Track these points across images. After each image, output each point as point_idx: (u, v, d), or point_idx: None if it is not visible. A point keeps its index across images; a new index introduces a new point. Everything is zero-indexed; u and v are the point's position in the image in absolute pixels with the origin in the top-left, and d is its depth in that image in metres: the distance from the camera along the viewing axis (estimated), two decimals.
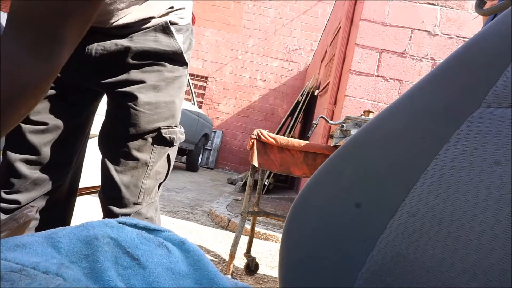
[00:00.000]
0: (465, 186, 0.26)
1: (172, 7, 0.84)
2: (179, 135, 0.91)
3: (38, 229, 0.86)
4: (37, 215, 0.87)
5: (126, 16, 0.78)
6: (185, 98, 5.96)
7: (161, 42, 0.83)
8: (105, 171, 0.85)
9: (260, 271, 1.98)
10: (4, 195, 0.81)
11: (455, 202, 0.26)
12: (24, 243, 0.30)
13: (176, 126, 0.90)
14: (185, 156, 6.76)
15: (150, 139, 0.84)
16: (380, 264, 0.29)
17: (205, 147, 7.75)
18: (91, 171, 1.52)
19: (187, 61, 0.90)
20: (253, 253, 2.02)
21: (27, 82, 0.48)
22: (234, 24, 8.28)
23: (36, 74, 0.49)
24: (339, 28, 3.70)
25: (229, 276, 1.55)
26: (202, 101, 8.25)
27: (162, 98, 0.85)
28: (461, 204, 0.26)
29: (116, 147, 0.84)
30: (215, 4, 8.25)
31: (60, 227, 0.33)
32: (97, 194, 1.72)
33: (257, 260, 1.94)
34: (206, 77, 8.29)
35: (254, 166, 1.76)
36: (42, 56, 0.49)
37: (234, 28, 8.28)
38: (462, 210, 0.26)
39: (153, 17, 0.82)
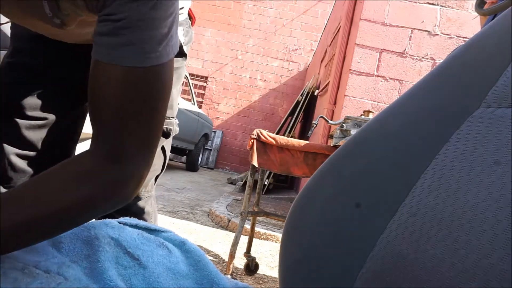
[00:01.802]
0: (465, 186, 0.26)
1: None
2: (175, 126, 0.90)
3: None
4: None
5: None
6: (185, 98, 5.96)
7: None
8: None
9: (260, 271, 1.98)
10: (3, 190, 0.81)
11: (455, 202, 0.26)
12: None
13: (172, 117, 0.89)
14: (185, 156, 6.75)
15: None
16: (380, 264, 0.29)
17: (205, 147, 7.75)
18: None
19: (186, 52, 0.89)
20: (253, 253, 2.01)
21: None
22: (234, 24, 8.28)
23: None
24: (339, 28, 3.70)
25: (229, 276, 1.55)
26: (202, 101, 8.24)
27: None
28: (461, 204, 0.26)
29: None
30: (215, 4, 8.24)
31: None
32: None
33: (257, 260, 1.94)
34: (206, 77, 8.28)
35: (254, 166, 1.76)
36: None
37: (234, 28, 8.27)
38: (462, 210, 0.26)
39: None
